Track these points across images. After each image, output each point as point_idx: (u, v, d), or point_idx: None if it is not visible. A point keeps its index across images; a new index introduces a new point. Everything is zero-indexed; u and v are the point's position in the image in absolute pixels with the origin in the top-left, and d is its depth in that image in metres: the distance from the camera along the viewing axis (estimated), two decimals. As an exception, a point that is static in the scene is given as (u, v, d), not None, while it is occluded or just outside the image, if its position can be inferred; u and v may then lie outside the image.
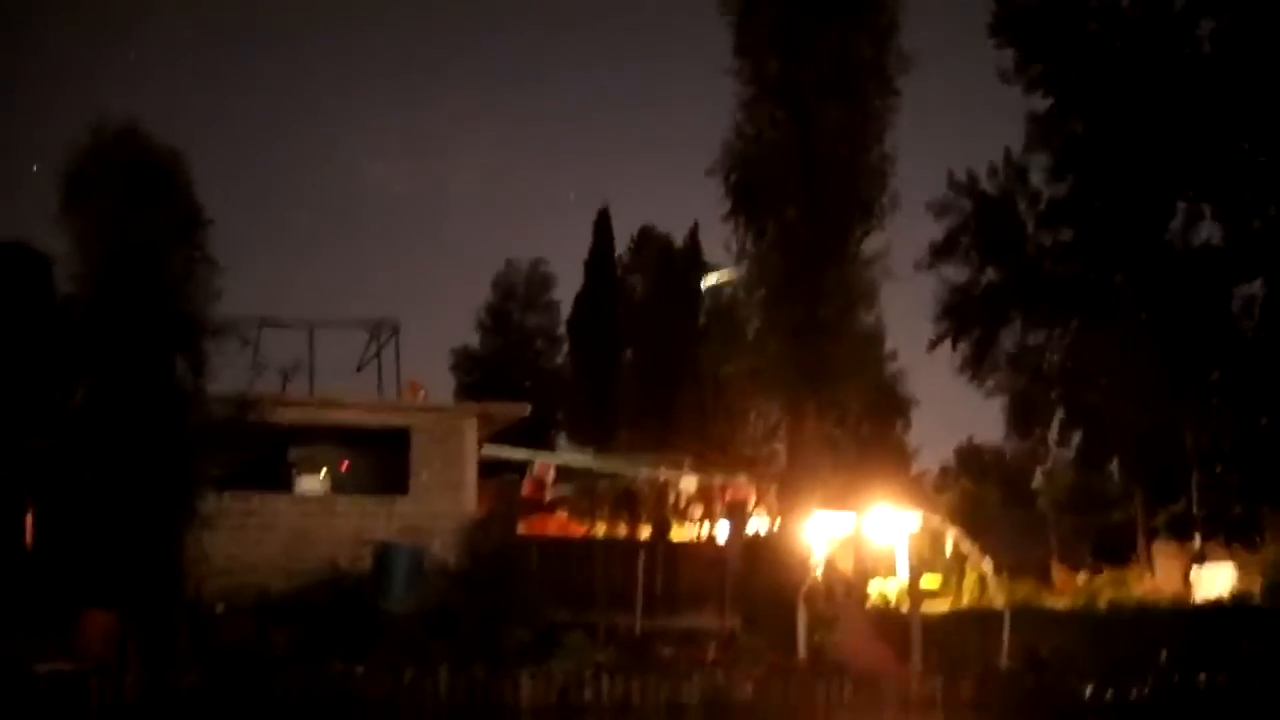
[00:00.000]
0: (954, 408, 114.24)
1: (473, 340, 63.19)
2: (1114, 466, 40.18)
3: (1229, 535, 32.19)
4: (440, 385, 53.52)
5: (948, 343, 39.42)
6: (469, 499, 25.37)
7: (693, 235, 54.15)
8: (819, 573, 23.25)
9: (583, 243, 59.30)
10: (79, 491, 20.32)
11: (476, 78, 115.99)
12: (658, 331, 50.72)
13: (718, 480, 31.68)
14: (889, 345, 39.83)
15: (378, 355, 27.53)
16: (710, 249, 49.60)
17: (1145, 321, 34.23)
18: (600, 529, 28.01)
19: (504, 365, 60.05)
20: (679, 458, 34.09)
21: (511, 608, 20.88)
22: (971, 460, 60.31)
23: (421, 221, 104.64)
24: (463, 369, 61.69)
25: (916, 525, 25.54)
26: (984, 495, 38.22)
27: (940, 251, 38.54)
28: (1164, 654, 21.95)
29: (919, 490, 36.69)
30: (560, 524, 29.93)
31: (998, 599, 23.07)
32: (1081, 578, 31.07)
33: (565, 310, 61.30)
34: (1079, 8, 36.27)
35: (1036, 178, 37.77)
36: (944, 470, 57.20)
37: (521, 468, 30.81)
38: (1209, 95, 32.97)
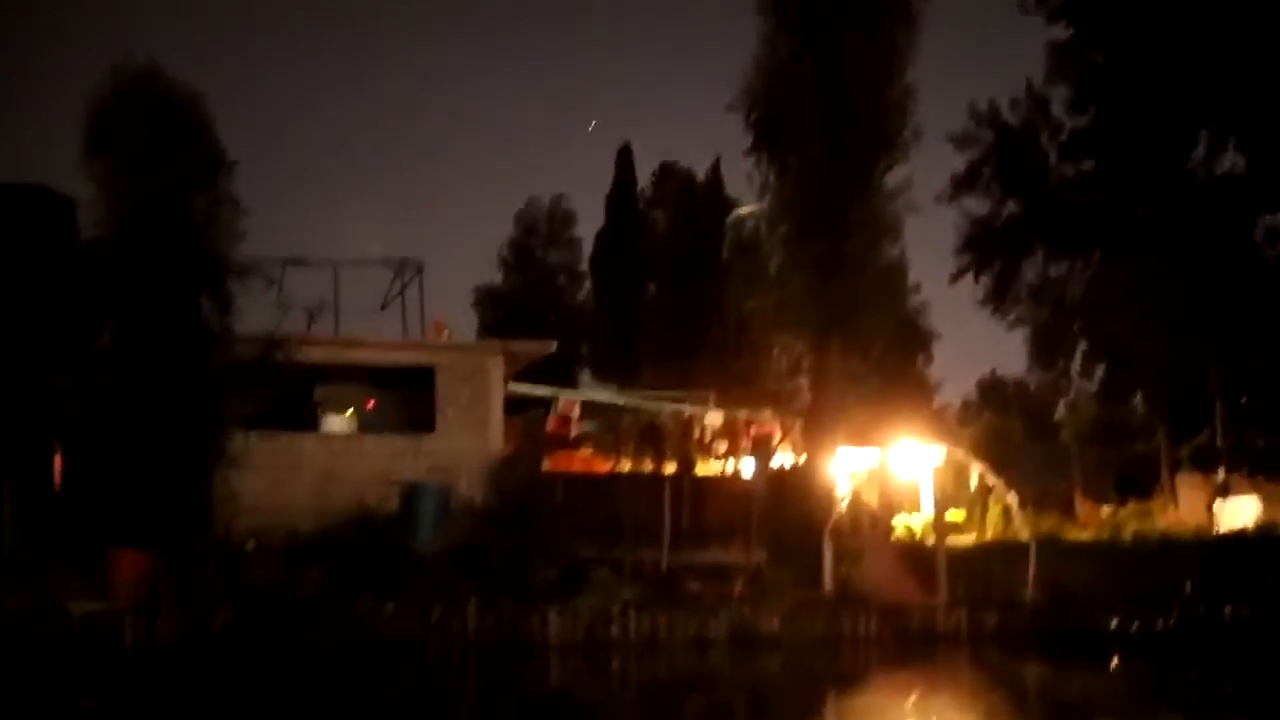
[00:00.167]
0: (976, 341, 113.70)
1: (495, 278, 63.35)
2: (1137, 399, 39.95)
3: (1253, 467, 32.11)
4: (464, 323, 53.85)
5: (969, 276, 39.19)
6: (495, 436, 25.49)
7: (715, 170, 53.79)
8: (844, 507, 23.34)
9: (604, 179, 59.44)
10: (107, 433, 20.49)
11: (498, 9, 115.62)
12: (680, 267, 50.49)
13: (742, 415, 31.68)
14: (911, 279, 39.64)
15: (402, 294, 27.60)
16: (733, 183, 49.38)
17: (1168, 252, 33.88)
18: (625, 465, 28.02)
19: (527, 302, 60.02)
20: (703, 393, 34.15)
21: (538, 545, 20.97)
22: (994, 393, 60.34)
23: (444, 159, 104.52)
24: (486, 306, 61.71)
25: (940, 459, 25.66)
26: (1007, 428, 38.17)
27: (962, 184, 38.20)
28: (1188, 586, 22.07)
29: (942, 424, 36.65)
30: (585, 460, 30.04)
31: (1022, 532, 23.13)
32: (1105, 510, 31.05)
33: (587, 246, 61.35)
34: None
35: (1058, 108, 37.39)
36: (967, 404, 57.36)
37: (546, 404, 30.82)
38: (1231, 22, 32.57)
